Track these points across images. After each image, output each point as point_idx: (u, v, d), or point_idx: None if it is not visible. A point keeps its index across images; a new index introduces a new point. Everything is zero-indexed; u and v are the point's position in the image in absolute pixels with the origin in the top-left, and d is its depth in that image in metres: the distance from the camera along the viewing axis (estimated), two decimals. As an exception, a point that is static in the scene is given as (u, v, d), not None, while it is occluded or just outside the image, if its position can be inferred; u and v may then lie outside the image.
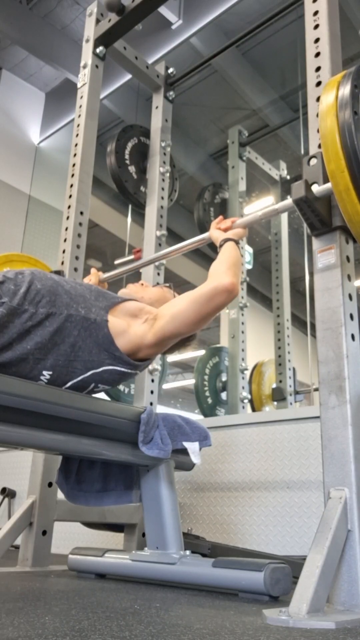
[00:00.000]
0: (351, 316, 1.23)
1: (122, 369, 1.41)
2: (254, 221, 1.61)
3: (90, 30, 2.51)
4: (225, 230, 1.63)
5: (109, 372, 1.40)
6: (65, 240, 2.19)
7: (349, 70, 1.21)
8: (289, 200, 1.42)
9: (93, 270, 2.05)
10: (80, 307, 1.38)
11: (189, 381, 9.92)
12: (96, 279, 2.01)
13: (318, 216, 1.26)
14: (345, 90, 1.17)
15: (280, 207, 1.51)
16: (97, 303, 1.42)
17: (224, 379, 3.59)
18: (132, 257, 3.42)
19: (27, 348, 1.28)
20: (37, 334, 1.29)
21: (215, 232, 1.65)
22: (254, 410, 3.81)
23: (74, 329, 1.34)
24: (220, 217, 1.71)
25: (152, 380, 2.32)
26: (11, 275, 1.34)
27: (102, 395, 1.64)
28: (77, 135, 2.37)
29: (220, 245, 1.57)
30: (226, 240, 1.57)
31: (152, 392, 2.31)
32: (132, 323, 1.44)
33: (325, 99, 1.20)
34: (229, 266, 1.45)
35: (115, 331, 1.39)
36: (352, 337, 1.22)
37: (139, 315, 1.47)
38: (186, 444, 1.50)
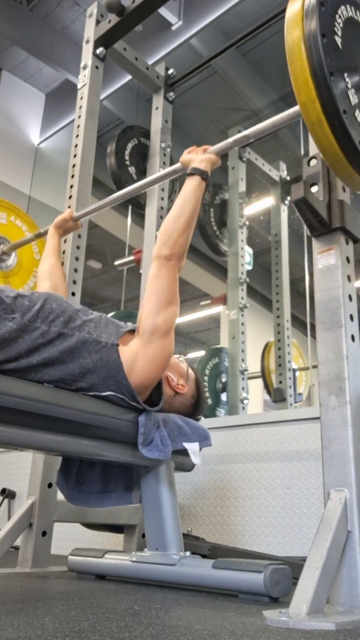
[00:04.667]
0: (351, 317, 1.23)
1: (124, 398, 1.39)
2: (225, 148, 1.57)
3: (90, 31, 2.51)
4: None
5: (111, 398, 1.38)
6: (65, 241, 2.19)
7: None
8: (244, 133, 1.48)
9: (68, 209, 2.08)
10: (92, 330, 1.38)
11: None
12: (69, 215, 2.01)
13: (318, 217, 1.26)
14: None
15: (251, 132, 1.51)
16: (107, 329, 1.41)
17: (224, 379, 3.59)
18: (132, 257, 3.41)
19: (33, 362, 1.28)
20: (46, 351, 1.29)
21: (186, 157, 1.60)
22: (266, 384, 4.06)
23: (85, 350, 1.34)
24: (193, 146, 1.65)
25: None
26: (27, 293, 1.36)
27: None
28: (77, 136, 2.37)
29: (189, 174, 1.54)
30: (194, 171, 1.53)
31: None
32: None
33: (291, 7, 1.10)
34: (173, 229, 1.45)
35: (125, 358, 1.37)
36: (352, 338, 1.21)
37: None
38: (186, 445, 1.50)
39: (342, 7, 1.16)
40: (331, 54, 1.06)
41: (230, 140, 1.56)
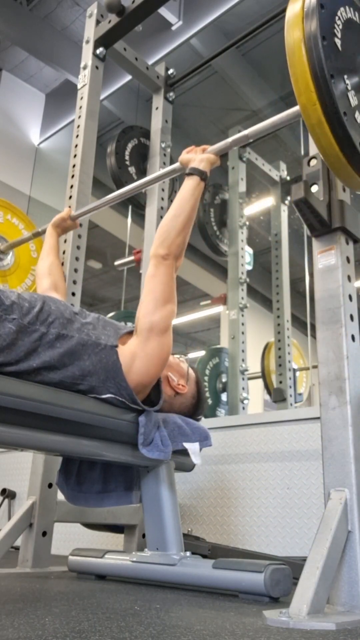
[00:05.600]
0: (351, 317, 1.23)
1: (124, 401, 1.39)
2: (224, 148, 1.57)
3: (90, 32, 2.51)
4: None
5: (110, 401, 1.38)
6: (65, 241, 2.19)
7: None
8: (244, 133, 1.48)
9: (67, 208, 2.08)
10: (91, 332, 1.38)
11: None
12: (67, 214, 2.02)
13: (318, 217, 1.26)
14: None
15: (250, 132, 1.51)
16: (105, 331, 1.41)
17: (224, 379, 3.59)
18: (132, 257, 3.42)
19: (33, 366, 1.28)
20: (46, 354, 1.29)
21: (185, 156, 1.59)
22: (266, 385, 4.05)
23: (84, 353, 1.33)
24: (192, 146, 1.64)
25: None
26: (26, 295, 1.36)
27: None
28: (77, 136, 2.37)
29: (188, 174, 1.53)
30: (193, 171, 1.53)
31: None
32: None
33: (291, 8, 1.10)
34: (171, 228, 1.45)
35: (123, 358, 1.37)
36: (352, 338, 1.21)
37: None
38: (186, 445, 1.50)
39: (342, 9, 1.16)
40: (331, 56, 1.06)
41: (229, 140, 1.56)
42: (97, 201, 2.00)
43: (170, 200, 2.93)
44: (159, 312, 1.40)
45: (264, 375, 4.09)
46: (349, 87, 1.11)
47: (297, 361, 4.18)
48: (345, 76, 1.11)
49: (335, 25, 1.12)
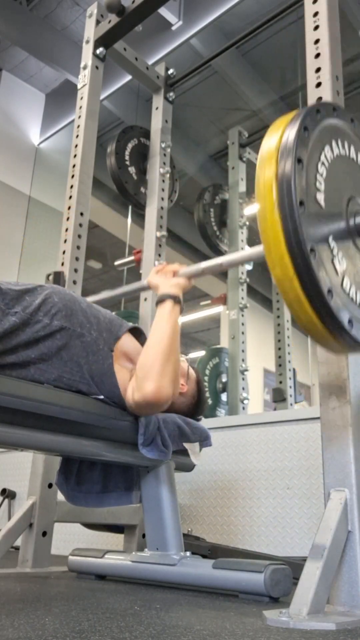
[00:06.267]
0: (351, 317, 1.22)
1: (117, 403, 1.38)
2: (196, 273, 1.46)
3: (90, 32, 2.51)
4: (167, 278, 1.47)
5: (108, 402, 1.37)
6: (65, 241, 2.19)
7: (304, 109, 0.98)
8: (217, 261, 1.42)
9: None
10: (93, 329, 1.36)
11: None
12: None
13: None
14: (292, 132, 0.91)
15: (224, 261, 1.46)
16: (108, 330, 1.40)
17: (224, 379, 3.59)
18: (132, 258, 3.41)
19: (31, 356, 1.28)
20: (45, 345, 1.29)
21: (154, 279, 1.49)
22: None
23: (82, 350, 1.33)
24: (164, 263, 1.55)
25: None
26: (30, 286, 1.35)
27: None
28: (77, 136, 2.37)
29: (160, 301, 1.42)
30: (166, 296, 1.42)
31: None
32: (127, 366, 1.41)
33: (266, 143, 0.94)
34: (154, 356, 1.30)
35: (120, 376, 1.36)
36: (352, 338, 1.21)
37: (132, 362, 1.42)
38: (186, 445, 1.50)
39: (327, 149, 0.99)
40: (311, 223, 0.90)
41: (202, 265, 1.45)
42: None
43: (171, 200, 2.94)
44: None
45: None
46: (335, 251, 0.94)
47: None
48: (330, 237, 0.94)
49: (318, 177, 0.95)
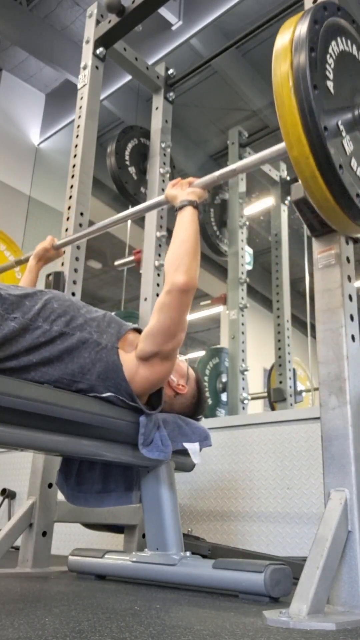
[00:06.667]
0: (351, 317, 1.23)
1: (124, 399, 1.38)
2: (211, 182, 1.50)
3: (90, 32, 2.51)
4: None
5: (111, 399, 1.37)
6: (65, 241, 2.19)
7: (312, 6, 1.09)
8: (231, 167, 1.43)
9: (49, 237, 2.00)
10: (94, 330, 1.37)
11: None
12: (50, 244, 1.96)
13: (318, 217, 1.25)
14: (303, 27, 1.02)
15: (237, 166, 1.45)
16: (109, 329, 1.40)
17: (224, 379, 3.59)
18: (132, 257, 3.41)
19: (33, 361, 1.28)
20: (47, 350, 1.30)
21: (171, 191, 1.51)
22: (271, 404, 3.95)
23: (84, 351, 1.33)
24: (178, 179, 1.56)
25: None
26: (30, 291, 1.36)
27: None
28: (77, 136, 2.37)
29: (179, 208, 1.46)
30: (185, 202, 1.45)
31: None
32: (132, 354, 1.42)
33: (280, 39, 1.04)
34: (182, 253, 1.36)
35: (126, 364, 1.36)
36: (352, 338, 1.21)
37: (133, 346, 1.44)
38: (186, 445, 1.50)
39: (333, 43, 1.10)
40: (324, 105, 1.01)
41: (216, 174, 1.48)
42: (81, 231, 1.97)
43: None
44: (168, 343, 1.37)
45: (270, 396, 4.00)
46: (344, 134, 1.07)
47: (304, 382, 4.08)
48: (340, 122, 1.06)
49: (327, 66, 1.06)
